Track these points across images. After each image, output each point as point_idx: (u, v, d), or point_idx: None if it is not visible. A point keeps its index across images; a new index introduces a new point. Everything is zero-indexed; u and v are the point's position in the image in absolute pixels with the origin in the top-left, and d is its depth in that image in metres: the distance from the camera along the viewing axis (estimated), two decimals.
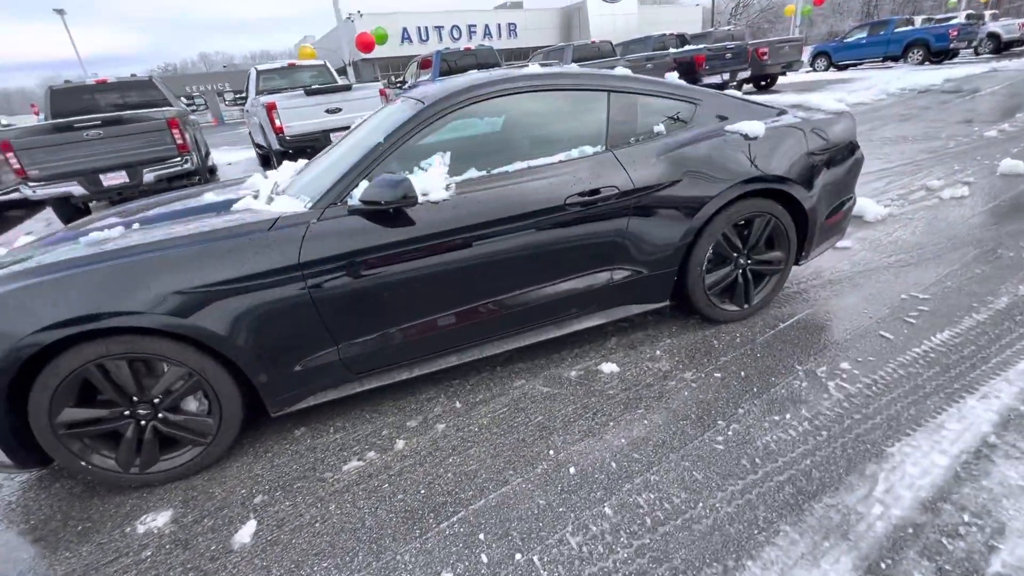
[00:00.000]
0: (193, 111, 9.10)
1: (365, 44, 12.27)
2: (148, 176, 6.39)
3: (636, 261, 2.25)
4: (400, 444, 1.95)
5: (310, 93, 7.48)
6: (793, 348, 2.29)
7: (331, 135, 7.59)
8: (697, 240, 2.31)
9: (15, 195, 6.10)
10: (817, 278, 2.95)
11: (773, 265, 2.54)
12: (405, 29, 28.20)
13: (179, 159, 6.53)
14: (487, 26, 30.88)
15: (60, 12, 26.88)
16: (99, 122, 6.07)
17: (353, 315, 1.88)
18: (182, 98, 10.04)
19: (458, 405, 2.15)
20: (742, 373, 2.15)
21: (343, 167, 1.97)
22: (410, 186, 1.75)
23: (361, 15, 26.77)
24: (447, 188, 1.95)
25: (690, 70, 11.84)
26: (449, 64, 10.70)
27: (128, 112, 6.34)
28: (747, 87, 14.52)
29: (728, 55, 11.94)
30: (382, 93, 7.93)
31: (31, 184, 5.91)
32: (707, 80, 11.76)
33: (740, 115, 2.42)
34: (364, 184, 1.85)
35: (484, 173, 2.03)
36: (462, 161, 2.09)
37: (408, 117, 2.01)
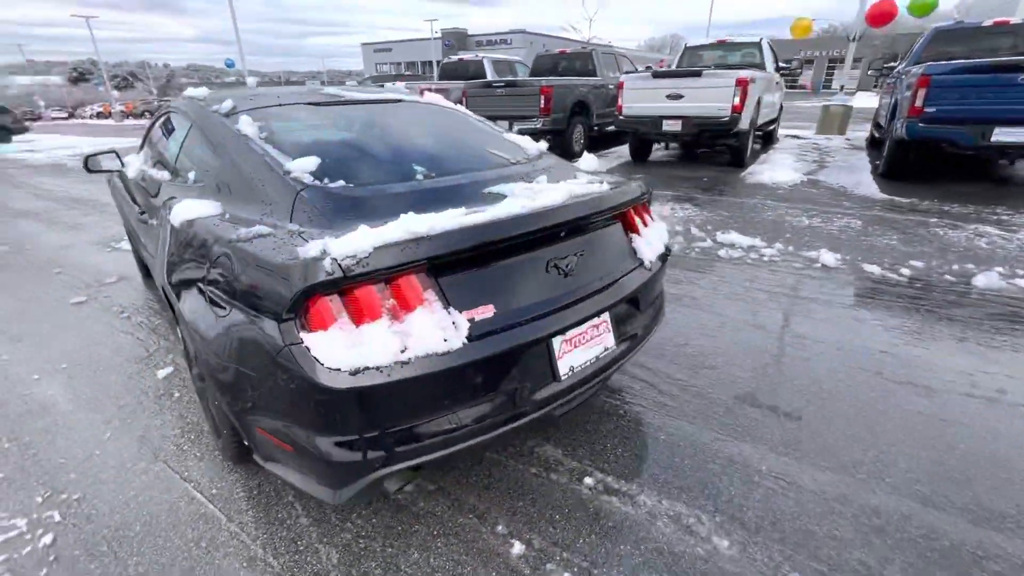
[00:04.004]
0: None
1: (878, 16, 8.90)
2: (516, 127, 8.37)
3: None
4: None
5: (657, 75, 7.14)
6: None
7: (665, 122, 7.17)
8: None
9: None
10: None
11: None
12: None
13: (537, 119, 8.12)
14: None
15: None
16: (503, 83, 8.38)
17: None
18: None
19: None
20: None
21: None
22: None
23: None
24: None
25: None
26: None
27: (519, 79, 8.28)
28: None
29: None
30: (740, 83, 6.50)
31: None
32: None
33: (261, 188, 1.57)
34: None
35: None
36: None
37: None
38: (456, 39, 44.52)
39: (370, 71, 45.75)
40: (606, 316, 1.63)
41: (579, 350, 1.55)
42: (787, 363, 2.45)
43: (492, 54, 11.78)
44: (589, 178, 1.91)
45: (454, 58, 11.41)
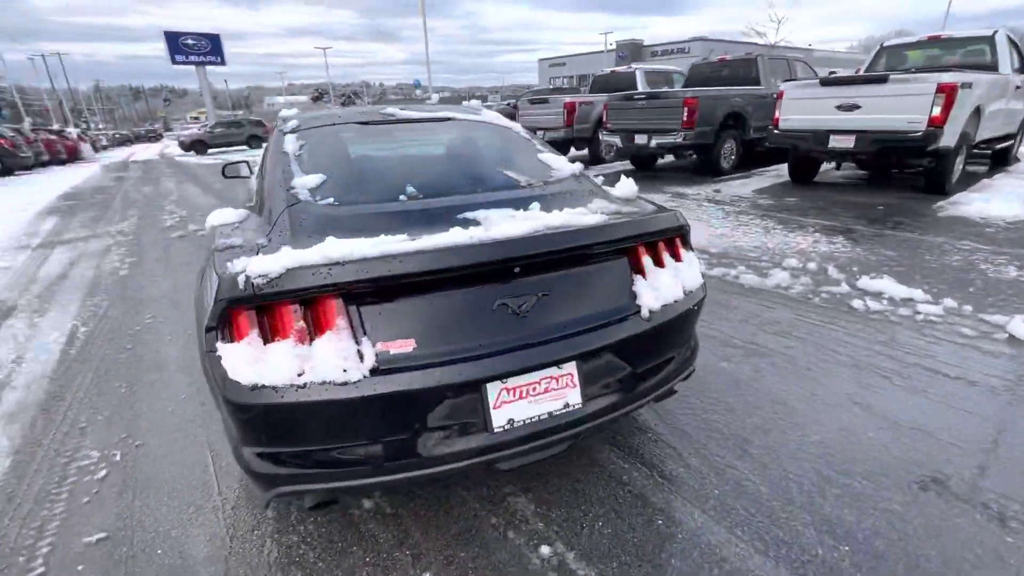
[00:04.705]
0: None
1: None
2: (655, 141, 7.88)
3: None
4: None
5: (826, 83, 6.01)
6: None
7: (832, 137, 6.04)
8: None
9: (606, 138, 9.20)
10: None
11: None
12: None
13: (678, 133, 7.52)
14: None
15: None
16: (644, 96, 7.93)
17: None
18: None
19: None
20: None
21: None
22: None
23: None
24: None
25: None
26: None
27: (662, 91, 7.70)
28: None
29: None
30: (944, 89, 5.12)
31: (604, 132, 8.86)
32: None
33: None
34: None
35: None
36: None
37: None
38: (630, 50, 43.92)
39: (544, 85, 47.85)
40: (571, 368, 1.41)
41: (526, 402, 1.36)
42: (879, 464, 1.83)
43: (653, 64, 11.31)
44: (603, 206, 1.68)
45: (606, 71, 11.25)
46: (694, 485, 1.78)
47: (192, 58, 27.14)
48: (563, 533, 1.60)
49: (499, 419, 1.34)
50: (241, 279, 1.18)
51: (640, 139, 8.15)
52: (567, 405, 1.41)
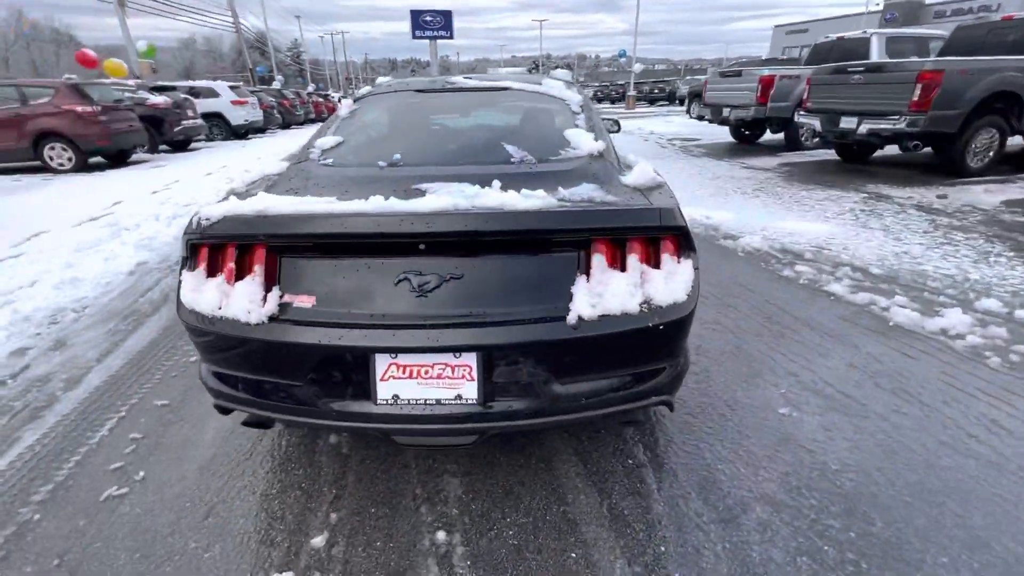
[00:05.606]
0: None
1: None
2: (866, 126, 6.28)
3: None
4: None
5: None
6: None
7: None
8: None
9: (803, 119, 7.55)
10: None
11: None
12: None
13: (902, 117, 5.86)
14: None
15: None
16: (861, 68, 6.27)
17: None
18: None
19: None
20: None
21: None
22: None
23: None
24: None
25: None
26: None
27: (887, 62, 5.91)
28: None
29: None
30: None
31: (801, 112, 7.34)
32: None
33: None
34: None
35: None
36: None
37: None
38: (904, 10, 34.91)
39: (775, 54, 41.60)
40: (469, 359, 1.31)
41: (415, 383, 1.32)
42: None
43: (903, 29, 8.91)
44: (579, 191, 1.47)
45: (831, 37, 9.23)
46: (640, 532, 1.50)
47: (427, 33, 30.78)
48: (469, 528, 1.54)
49: (384, 392, 1.33)
50: (195, 220, 1.39)
51: (847, 123, 6.58)
52: (460, 397, 1.32)
